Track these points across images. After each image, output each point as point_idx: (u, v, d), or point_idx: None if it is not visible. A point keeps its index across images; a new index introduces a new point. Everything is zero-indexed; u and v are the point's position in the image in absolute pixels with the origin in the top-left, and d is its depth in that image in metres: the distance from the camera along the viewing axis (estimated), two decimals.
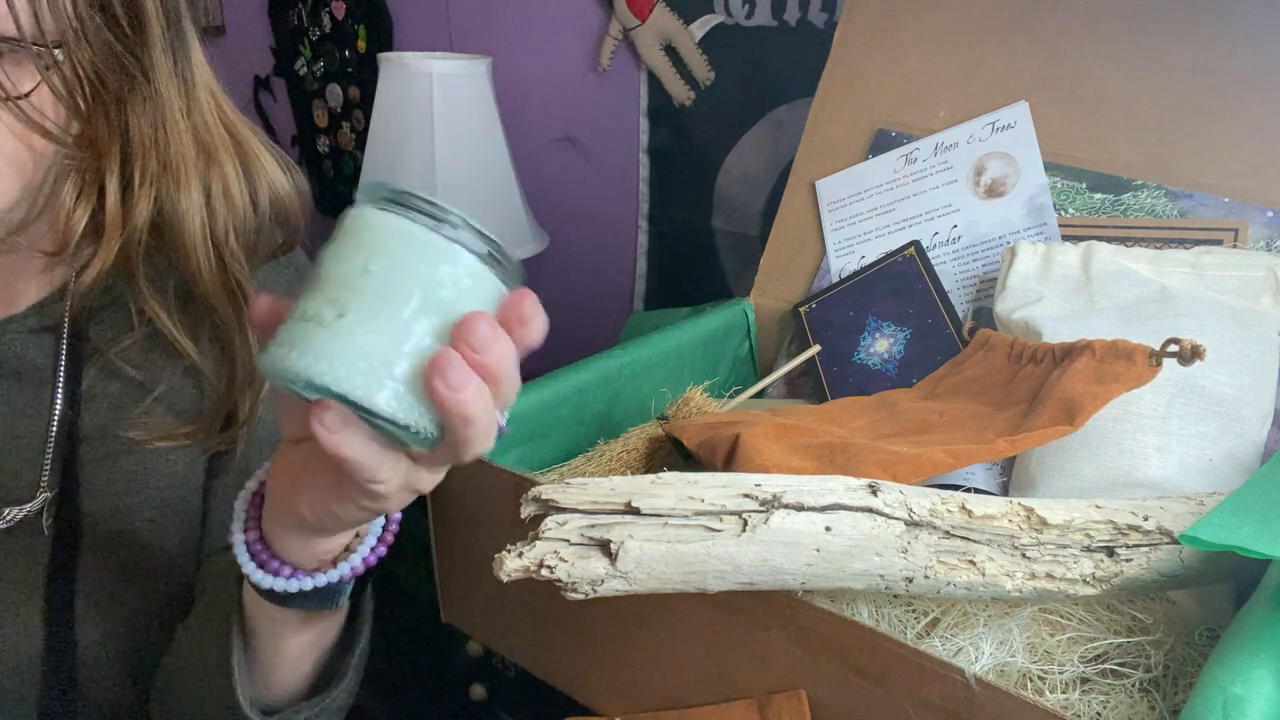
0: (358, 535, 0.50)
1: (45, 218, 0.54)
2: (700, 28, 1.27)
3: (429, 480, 0.42)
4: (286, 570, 0.48)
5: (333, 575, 0.49)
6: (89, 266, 0.55)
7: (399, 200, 0.35)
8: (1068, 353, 0.60)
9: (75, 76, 0.50)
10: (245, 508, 0.49)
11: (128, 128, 0.54)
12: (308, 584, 0.48)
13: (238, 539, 0.48)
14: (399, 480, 0.39)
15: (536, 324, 0.37)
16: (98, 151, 0.53)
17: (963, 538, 0.45)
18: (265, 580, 0.48)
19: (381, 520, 0.50)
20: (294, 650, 0.55)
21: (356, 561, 0.49)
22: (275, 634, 0.53)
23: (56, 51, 0.48)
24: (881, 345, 0.78)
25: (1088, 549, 0.47)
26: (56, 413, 0.60)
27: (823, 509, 0.44)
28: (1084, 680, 0.48)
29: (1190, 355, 0.53)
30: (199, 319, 0.61)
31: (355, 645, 0.57)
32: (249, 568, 0.48)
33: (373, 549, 0.50)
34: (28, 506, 0.58)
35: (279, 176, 0.62)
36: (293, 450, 0.44)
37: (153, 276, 0.59)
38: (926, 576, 0.45)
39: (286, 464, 0.44)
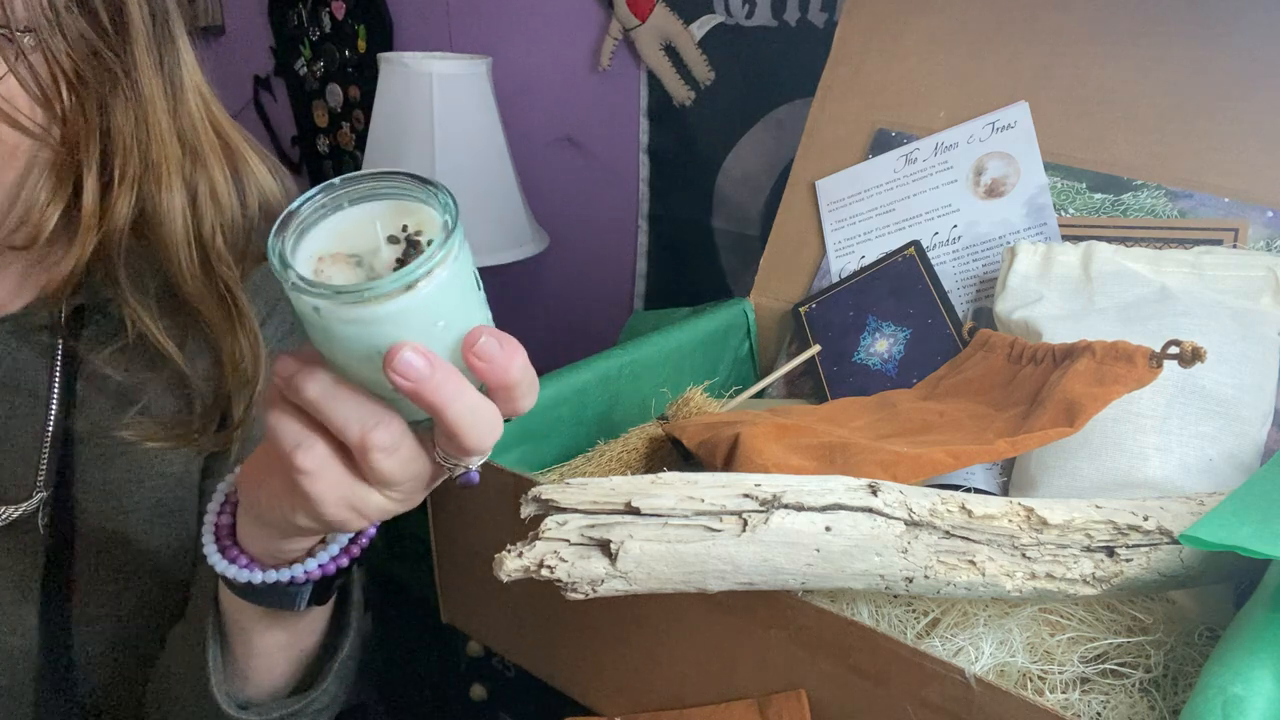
0: (323, 542, 0.50)
1: (18, 213, 0.54)
2: (700, 28, 1.27)
3: (375, 505, 0.41)
4: (243, 560, 0.48)
5: (284, 574, 0.48)
6: (63, 263, 0.55)
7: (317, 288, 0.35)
8: (1068, 354, 0.60)
9: (48, 69, 0.49)
10: (228, 490, 0.49)
11: (110, 126, 0.54)
12: (256, 577, 0.48)
13: (208, 520, 0.49)
14: (344, 492, 0.40)
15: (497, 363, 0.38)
16: (74, 147, 0.53)
17: (963, 538, 0.45)
18: (220, 565, 0.48)
19: (349, 535, 0.50)
20: (263, 648, 0.54)
21: (311, 566, 0.49)
22: (243, 628, 0.53)
23: (27, 39, 0.48)
24: (881, 345, 0.78)
25: (1088, 549, 0.47)
26: (51, 414, 0.60)
27: (823, 509, 0.44)
28: (1084, 680, 0.48)
29: (1191, 357, 0.53)
30: (187, 322, 0.61)
31: (338, 652, 0.57)
32: (209, 548, 0.48)
33: (333, 558, 0.50)
34: (23, 506, 0.58)
35: (268, 180, 0.62)
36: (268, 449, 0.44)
37: (135, 278, 0.59)
38: (926, 576, 0.45)
39: (258, 461, 0.45)
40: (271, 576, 0.48)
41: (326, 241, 0.37)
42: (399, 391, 0.36)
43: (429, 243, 0.36)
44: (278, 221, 0.36)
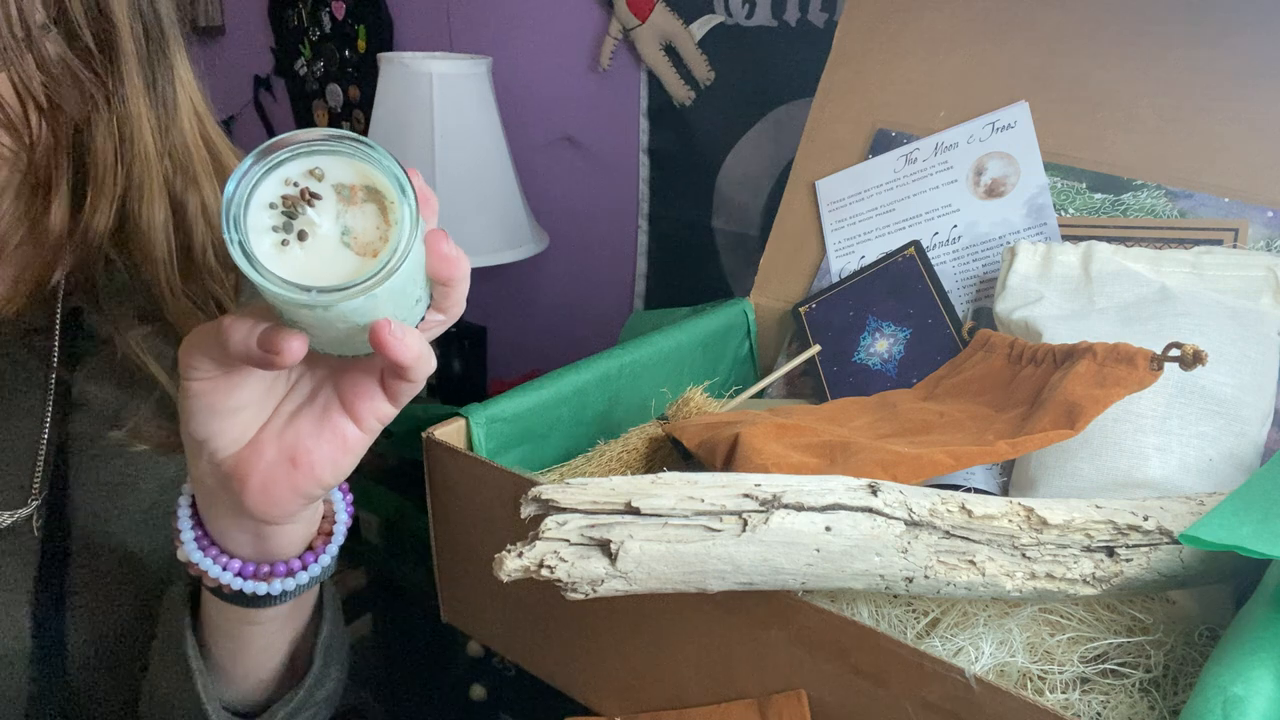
0: (325, 503, 0.51)
1: None
2: (700, 28, 1.27)
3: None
4: (282, 568, 0.48)
5: (339, 539, 0.49)
6: (37, 275, 0.54)
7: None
8: (1069, 355, 0.60)
9: (16, 95, 0.47)
10: (193, 528, 0.48)
11: (90, 145, 0.52)
12: (316, 570, 0.49)
13: (225, 575, 0.47)
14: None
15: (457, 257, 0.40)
16: (45, 167, 0.51)
17: (963, 538, 0.45)
18: (275, 587, 0.48)
19: (337, 491, 0.52)
20: (277, 644, 0.55)
21: (344, 520, 0.50)
22: (264, 633, 0.53)
23: None
24: (881, 345, 0.78)
25: (1088, 549, 0.47)
26: (47, 419, 0.59)
27: (823, 509, 0.44)
28: (1084, 680, 0.48)
29: (1192, 360, 0.53)
30: (179, 337, 0.60)
31: (320, 630, 0.57)
32: (249, 585, 0.48)
33: (347, 510, 0.51)
34: (18, 513, 0.58)
35: None
36: (269, 447, 0.42)
37: (118, 293, 0.58)
38: (926, 576, 0.45)
39: (270, 460, 0.42)
40: (335, 551, 0.49)
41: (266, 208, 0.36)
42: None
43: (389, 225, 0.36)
44: (222, 217, 0.35)
